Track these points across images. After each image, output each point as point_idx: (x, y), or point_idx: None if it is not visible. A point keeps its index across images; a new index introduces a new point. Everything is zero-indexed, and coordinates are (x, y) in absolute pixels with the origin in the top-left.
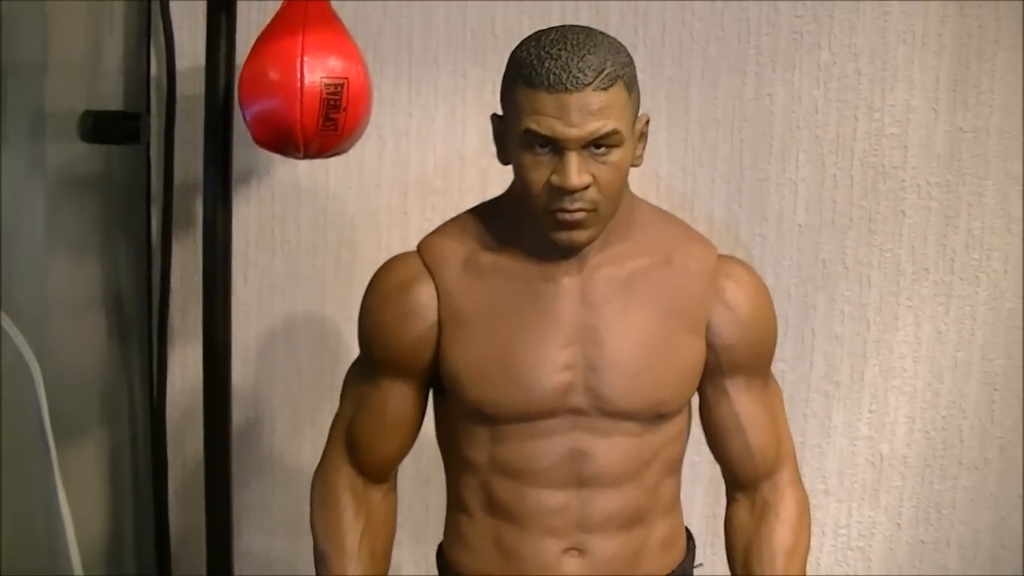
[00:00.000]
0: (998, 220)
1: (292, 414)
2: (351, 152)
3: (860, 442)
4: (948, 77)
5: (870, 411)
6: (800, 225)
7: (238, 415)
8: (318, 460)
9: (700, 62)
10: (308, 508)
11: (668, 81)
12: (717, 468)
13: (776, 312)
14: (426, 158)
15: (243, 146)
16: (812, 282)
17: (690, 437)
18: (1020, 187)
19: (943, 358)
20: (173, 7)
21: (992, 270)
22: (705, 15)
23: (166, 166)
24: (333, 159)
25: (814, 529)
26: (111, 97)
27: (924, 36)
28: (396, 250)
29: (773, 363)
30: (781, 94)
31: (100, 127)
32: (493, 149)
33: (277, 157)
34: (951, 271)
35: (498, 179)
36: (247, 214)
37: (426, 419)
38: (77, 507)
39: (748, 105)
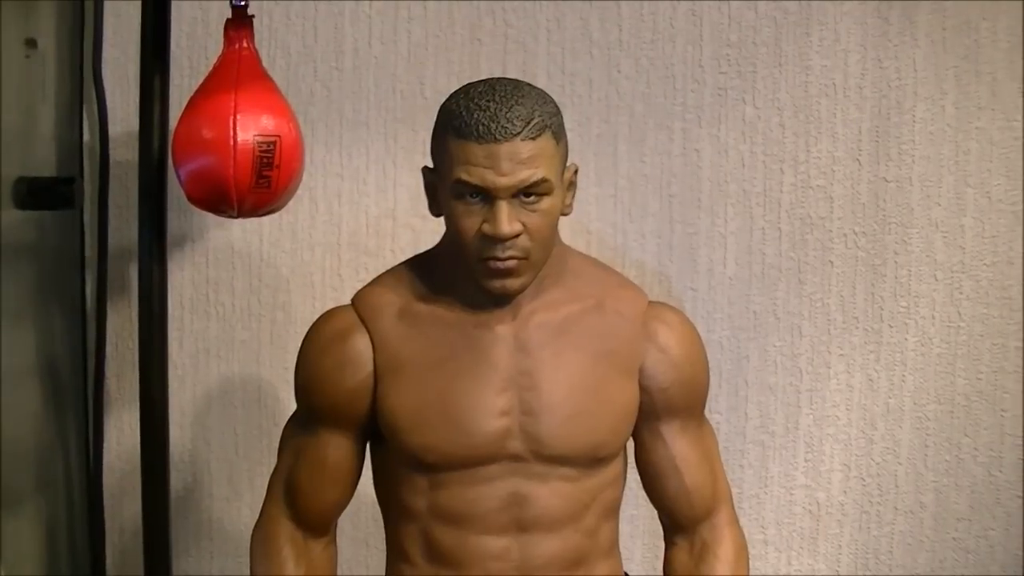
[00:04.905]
0: (924, 267)
1: (230, 478)
2: (284, 216)
3: (797, 491)
4: (870, 129)
5: (806, 460)
6: (730, 278)
7: (175, 480)
8: None
9: (627, 119)
10: (248, 573)
11: (596, 138)
12: (657, 521)
13: (709, 363)
14: (358, 220)
15: (177, 211)
16: (744, 333)
17: (627, 488)
18: (942, 234)
19: (875, 405)
20: (106, 73)
21: (920, 316)
22: (631, 73)
23: (100, 232)
24: (267, 223)
25: None
26: (44, 163)
27: (845, 89)
28: None
29: (708, 414)
30: (708, 149)
31: (34, 193)
32: (425, 209)
33: (211, 221)
34: (880, 319)
35: (430, 239)
36: (181, 279)
37: (366, 478)
38: None
39: (676, 160)
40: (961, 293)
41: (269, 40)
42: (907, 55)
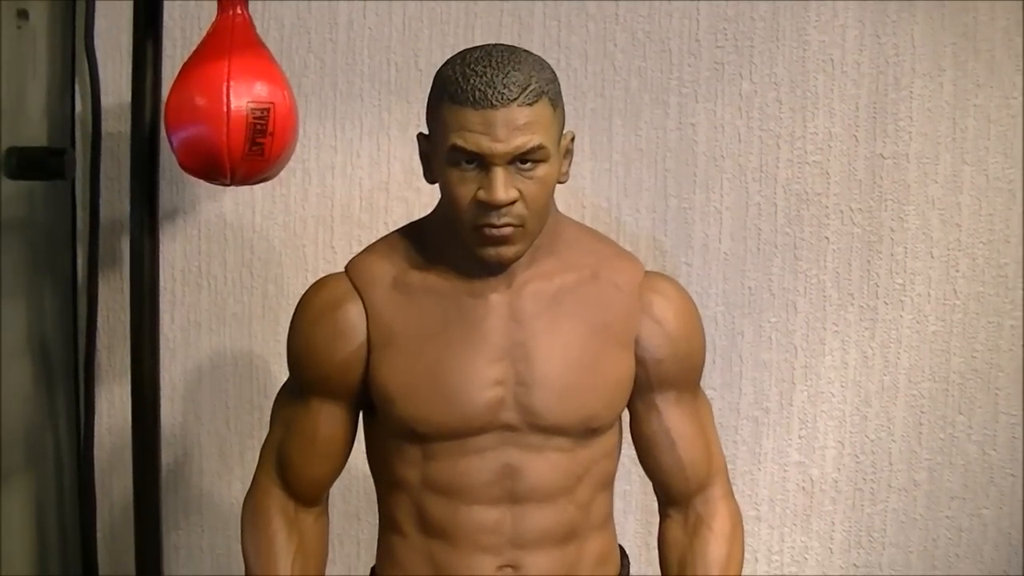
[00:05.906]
0: (920, 245)
1: (220, 452)
2: (277, 188)
3: (790, 468)
4: (867, 105)
5: (799, 436)
6: (725, 253)
7: (166, 454)
8: None
9: (623, 94)
10: (239, 547)
11: (591, 113)
12: (649, 496)
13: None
14: (351, 193)
15: (169, 183)
16: (739, 309)
17: (620, 464)
18: (938, 211)
19: (870, 382)
20: (98, 44)
21: (916, 294)
22: (627, 47)
23: (92, 203)
24: (259, 195)
25: (747, 556)
26: (36, 135)
27: (843, 65)
28: None
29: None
30: (704, 124)
31: (25, 164)
32: (418, 181)
33: (203, 193)
34: (875, 296)
35: (423, 212)
36: (173, 251)
37: (356, 451)
38: (2, 552)
39: (671, 135)
40: (957, 271)
41: (263, 11)
42: (905, 31)
